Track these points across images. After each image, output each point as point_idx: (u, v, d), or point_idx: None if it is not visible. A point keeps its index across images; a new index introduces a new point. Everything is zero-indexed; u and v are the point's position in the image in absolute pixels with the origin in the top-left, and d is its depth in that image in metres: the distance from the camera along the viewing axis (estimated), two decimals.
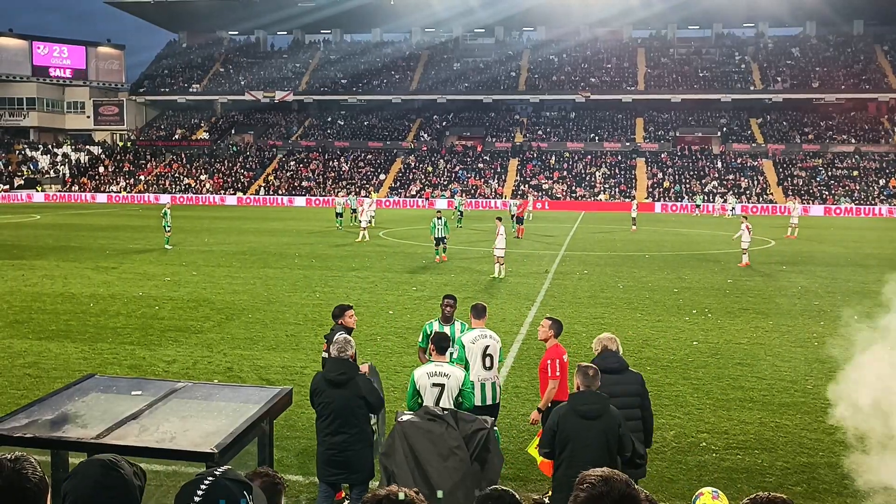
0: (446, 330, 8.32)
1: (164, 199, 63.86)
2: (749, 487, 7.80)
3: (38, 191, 71.80)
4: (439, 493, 5.76)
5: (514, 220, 43.17)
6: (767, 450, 8.97)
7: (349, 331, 8.16)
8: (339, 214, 41.11)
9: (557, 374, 7.67)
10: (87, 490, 2.40)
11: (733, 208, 56.62)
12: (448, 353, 7.36)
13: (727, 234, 35.40)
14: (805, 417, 10.07)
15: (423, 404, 6.78)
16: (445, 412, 6.25)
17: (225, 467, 2.46)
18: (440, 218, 26.40)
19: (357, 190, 66.13)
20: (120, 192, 71.18)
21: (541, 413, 7.75)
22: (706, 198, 61.92)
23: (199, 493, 2.29)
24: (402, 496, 2.14)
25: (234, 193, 70.02)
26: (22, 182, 73.55)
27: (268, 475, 3.31)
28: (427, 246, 29.42)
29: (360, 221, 34.47)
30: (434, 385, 6.89)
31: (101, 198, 70.14)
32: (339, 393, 6.59)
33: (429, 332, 8.34)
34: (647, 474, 8.12)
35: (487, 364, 8.03)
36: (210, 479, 2.33)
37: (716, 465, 8.43)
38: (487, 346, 8.10)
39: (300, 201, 67.08)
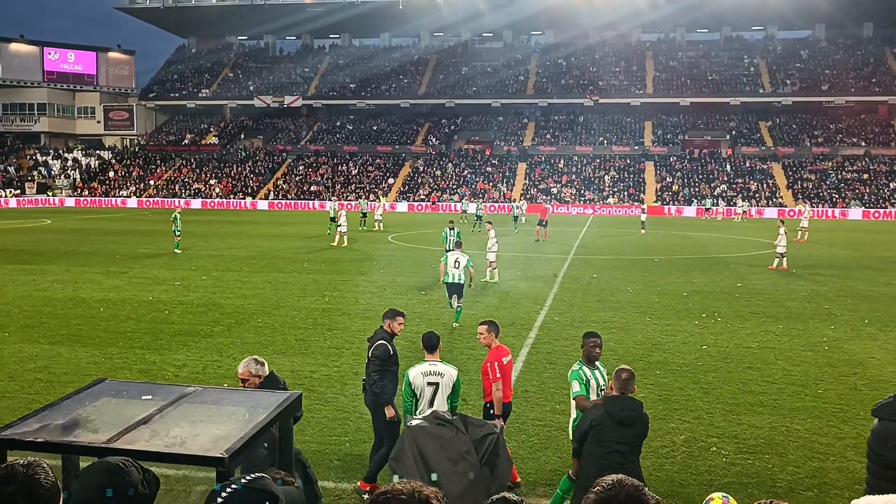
0: (592, 374, 7.33)
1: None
2: (759, 492, 7.75)
3: (49, 195, 72.21)
4: (433, 476, 5.77)
5: (515, 222, 43.25)
6: (778, 454, 8.92)
7: (392, 336, 8.19)
8: (332, 219, 40.79)
9: (498, 375, 7.82)
10: (88, 492, 2.42)
11: (744, 212, 56.45)
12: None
13: (736, 237, 35.26)
14: (816, 422, 10.01)
15: (420, 405, 7.04)
16: (455, 417, 6.26)
17: (255, 475, 2.45)
18: (452, 229, 25.31)
19: (366, 194, 66.22)
20: (130, 197, 71.51)
21: (500, 418, 7.76)
22: (715, 201, 61.72)
23: (220, 501, 2.29)
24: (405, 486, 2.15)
25: (244, 198, 70.22)
26: (34, 188, 73.93)
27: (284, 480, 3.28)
28: (435, 250, 29.39)
29: (340, 226, 33.91)
30: (429, 384, 7.10)
31: (113, 202, 70.50)
32: None
33: (583, 379, 7.25)
34: (656, 478, 8.11)
35: (456, 266, 16.07)
36: (234, 486, 2.33)
37: (726, 469, 8.38)
38: (457, 259, 16.18)
39: (309, 205, 67.21)
